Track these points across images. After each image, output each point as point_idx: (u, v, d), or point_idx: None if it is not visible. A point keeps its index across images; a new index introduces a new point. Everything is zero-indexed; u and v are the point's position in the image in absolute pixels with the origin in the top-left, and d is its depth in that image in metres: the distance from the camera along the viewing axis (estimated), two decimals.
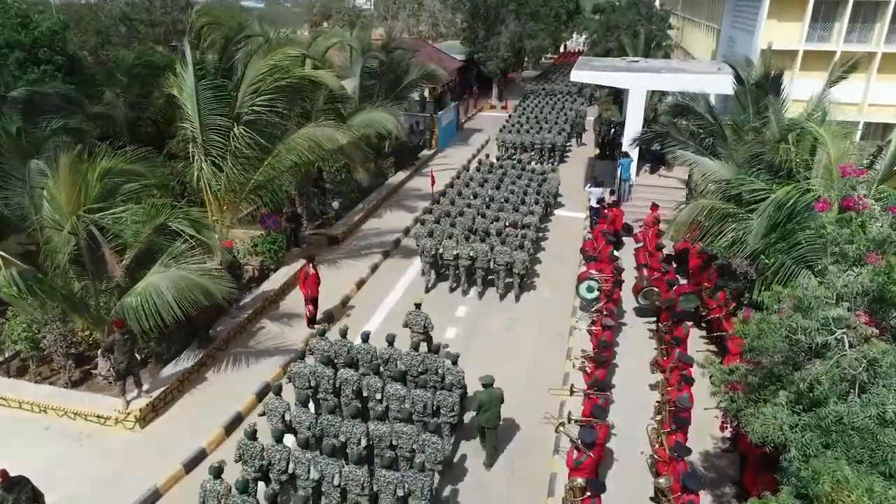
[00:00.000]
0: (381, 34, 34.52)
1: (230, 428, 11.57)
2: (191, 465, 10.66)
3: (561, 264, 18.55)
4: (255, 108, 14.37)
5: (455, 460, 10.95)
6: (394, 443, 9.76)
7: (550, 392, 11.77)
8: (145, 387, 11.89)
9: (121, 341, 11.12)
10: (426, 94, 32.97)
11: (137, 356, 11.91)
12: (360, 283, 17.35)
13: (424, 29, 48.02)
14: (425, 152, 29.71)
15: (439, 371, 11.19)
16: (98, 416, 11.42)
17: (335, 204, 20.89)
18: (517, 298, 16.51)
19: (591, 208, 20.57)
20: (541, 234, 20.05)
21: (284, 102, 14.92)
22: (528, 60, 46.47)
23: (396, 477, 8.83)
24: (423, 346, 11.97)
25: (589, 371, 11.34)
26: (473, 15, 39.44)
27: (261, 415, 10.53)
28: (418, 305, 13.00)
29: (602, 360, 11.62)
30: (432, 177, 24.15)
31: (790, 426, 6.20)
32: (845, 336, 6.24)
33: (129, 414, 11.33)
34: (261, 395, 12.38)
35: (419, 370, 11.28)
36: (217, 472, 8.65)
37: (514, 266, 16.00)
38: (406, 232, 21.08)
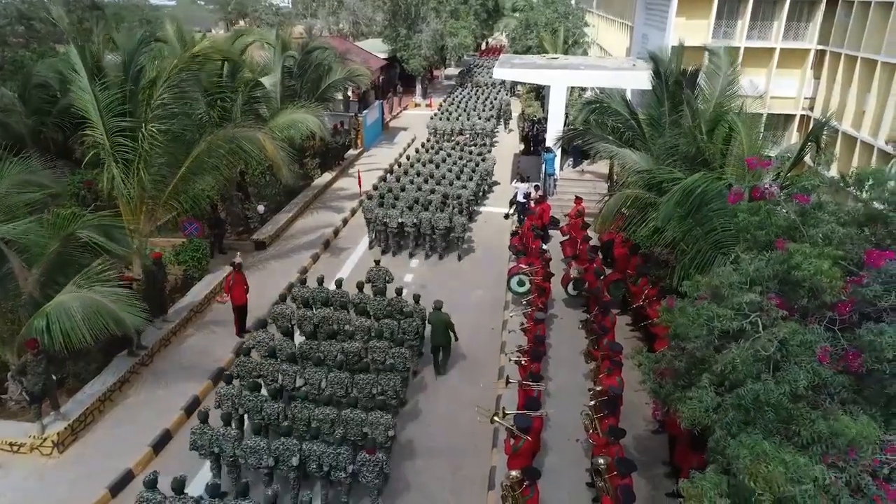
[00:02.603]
0: (301, 32, 33.78)
1: (158, 447, 11.06)
2: (117, 488, 10.10)
3: (491, 260, 18.80)
4: (164, 101, 13.71)
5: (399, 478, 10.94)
6: (367, 357, 11.57)
7: (479, 410, 11.10)
8: (63, 409, 11.21)
9: (34, 362, 10.41)
10: (350, 93, 32.56)
11: (53, 377, 11.18)
12: (290, 287, 16.94)
13: (345, 26, 47.30)
14: (351, 152, 29.36)
15: (404, 310, 12.91)
16: (11, 444, 10.67)
17: (260, 208, 20.30)
18: (459, 258, 18.86)
19: (517, 203, 20.94)
20: (470, 232, 20.41)
21: (194, 87, 14.42)
22: (451, 58, 46.89)
23: (372, 378, 10.83)
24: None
25: (524, 364, 11.52)
26: (394, 13, 39.25)
27: (251, 348, 11.88)
28: (377, 262, 14.82)
29: (539, 355, 11.82)
30: (359, 177, 23.96)
31: (714, 408, 6.51)
32: (759, 319, 6.61)
33: (45, 439, 10.63)
34: (189, 411, 11.89)
35: (386, 312, 13.07)
36: (229, 378, 10.87)
37: (455, 230, 18.38)
38: (336, 233, 20.83)
